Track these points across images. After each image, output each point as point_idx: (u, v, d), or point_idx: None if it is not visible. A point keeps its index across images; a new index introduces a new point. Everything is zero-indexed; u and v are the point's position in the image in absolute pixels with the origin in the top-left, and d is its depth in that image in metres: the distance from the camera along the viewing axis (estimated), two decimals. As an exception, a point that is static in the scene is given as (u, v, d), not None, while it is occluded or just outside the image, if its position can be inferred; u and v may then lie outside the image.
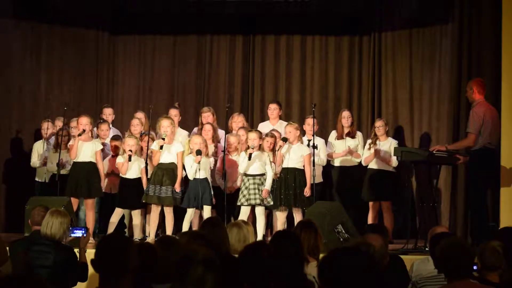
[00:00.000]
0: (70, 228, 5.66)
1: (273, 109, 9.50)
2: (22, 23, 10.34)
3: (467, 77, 8.81)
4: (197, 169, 8.20)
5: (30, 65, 10.46)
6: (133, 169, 8.56)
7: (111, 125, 9.55)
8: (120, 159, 8.55)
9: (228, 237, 4.82)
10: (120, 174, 8.60)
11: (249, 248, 3.87)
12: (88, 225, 8.08)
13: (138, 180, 8.58)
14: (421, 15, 9.95)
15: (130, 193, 8.51)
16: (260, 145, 8.37)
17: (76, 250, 5.64)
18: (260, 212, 8.35)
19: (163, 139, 8.34)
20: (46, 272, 5.27)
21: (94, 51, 10.88)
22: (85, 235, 5.73)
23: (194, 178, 8.25)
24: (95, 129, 9.18)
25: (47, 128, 9.38)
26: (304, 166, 8.45)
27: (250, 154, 8.24)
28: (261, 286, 3.68)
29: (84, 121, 8.57)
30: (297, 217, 8.35)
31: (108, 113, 9.65)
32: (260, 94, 10.85)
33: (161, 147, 8.33)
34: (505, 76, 8.29)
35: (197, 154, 8.20)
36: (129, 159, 8.42)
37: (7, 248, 5.57)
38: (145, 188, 8.46)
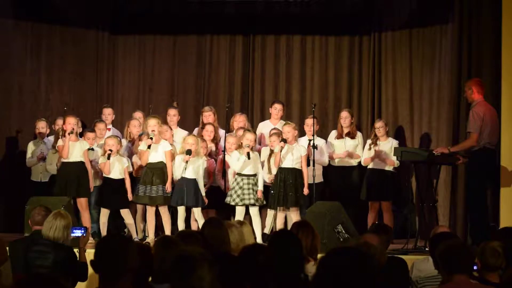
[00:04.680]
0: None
1: (279, 110, 9.49)
2: (22, 23, 10.34)
3: (467, 77, 8.80)
4: (184, 168, 8.21)
5: (30, 65, 10.46)
6: (116, 169, 8.56)
7: (111, 125, 9.55)
8: (102, 160, 8.56)
9: (229, 237, 4.82)
10: (104, 174, 8.61)
11: (246, 250, 3.88)
12: (85, 225, 8.08)
13: (122, 180, 8.58)
14: (421, 15, 9.95)
15: (113, 193, 8.53)
16: (253, 146, 8.41)
17: (75, 250, 5.64)
18: (255, 212, 8.37)
19: (151, 138, 8.34)
20: (46, 272, 5.27)
21: (94, 51, 10.87)
22: (84, 234, 5.75)
23: (182, 177, 8.27)
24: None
25: (42, 127, 9.37)
26: (302, 166, 8.45)
27: (248, 153, 8.25)
28: (261, 286, 3.68)
29: (72, 121, 8.56)
30: (295, 217, 8.33)
31: (107, 113, 9.65)
32: (260, 94, 10.84)
33: (149, 147, 8.33)
34: (505, 76, 8.29)
35: (186, 154, 8.21)
36: (108, 158, 8.42)
37: (7, 248, 5.58)
38: (128, 189, 8.46)
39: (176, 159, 8.40)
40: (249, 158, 8.25)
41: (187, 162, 8.21)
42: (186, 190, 8.21)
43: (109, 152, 8.42)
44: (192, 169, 8.26)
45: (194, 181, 8.27)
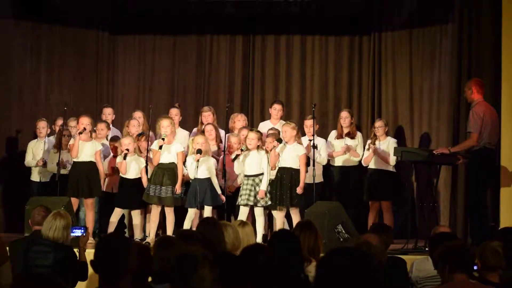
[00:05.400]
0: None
1: (278, 110, 9.48)
2: (22, 23, 10.34)
3: (467, 77, 8.80)
4: (196, 167, 8.19)
5: (30, 65, 10.46)
6: (132, 169, 8.56)
7: (111, 125, 9.55)
8: (119, 159, 8.56)
9: (224, 236, 4.82)
10: (120, 174, 8.61)
11: (246, 250, 3.89)
12: (88, 225, 8.09)
13: (138, 180, 8.58)
14: (421, 15, 9.95)
15: (130, 193, 8.51)
16: (258, 146, 8.38)
17: (75, 249, 5.64)
18: (259, 212, 8.36)
19: (163, 139, 8.33)
20: (46, 272, 5.27)
21: (94, 51, 10.88)
22: (84, 234, 5.75)
23: (195, 178, 8.25)
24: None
25: (43, 127, 9.37)
26: (300, 166, 8.45)
27: (237, 155, 8.29)
28: (261, 286, 3.68)
29: (86, 121, 8.57)
30: (295, 217, 8.32)
31: (107, 113, 9.65)
32: (260, 94, 10.85)
33: (160, 147, 8.32)
34: (505, 76, 8.29)
35: (197, 153, 8.20)
36: (124, 158, 8.42)
37: (7, 248, 5.58)
38: (145, 188, 8.46)
39: (188, 159, 8.38)
40: (233, 160, 8.29)
41: (198, 161, 8.19)
42: (202, 190, 8.18)
43: (126, 152, 8.42)
44: (205, 168, 8.25)
45: (208, 180, 8.27)
